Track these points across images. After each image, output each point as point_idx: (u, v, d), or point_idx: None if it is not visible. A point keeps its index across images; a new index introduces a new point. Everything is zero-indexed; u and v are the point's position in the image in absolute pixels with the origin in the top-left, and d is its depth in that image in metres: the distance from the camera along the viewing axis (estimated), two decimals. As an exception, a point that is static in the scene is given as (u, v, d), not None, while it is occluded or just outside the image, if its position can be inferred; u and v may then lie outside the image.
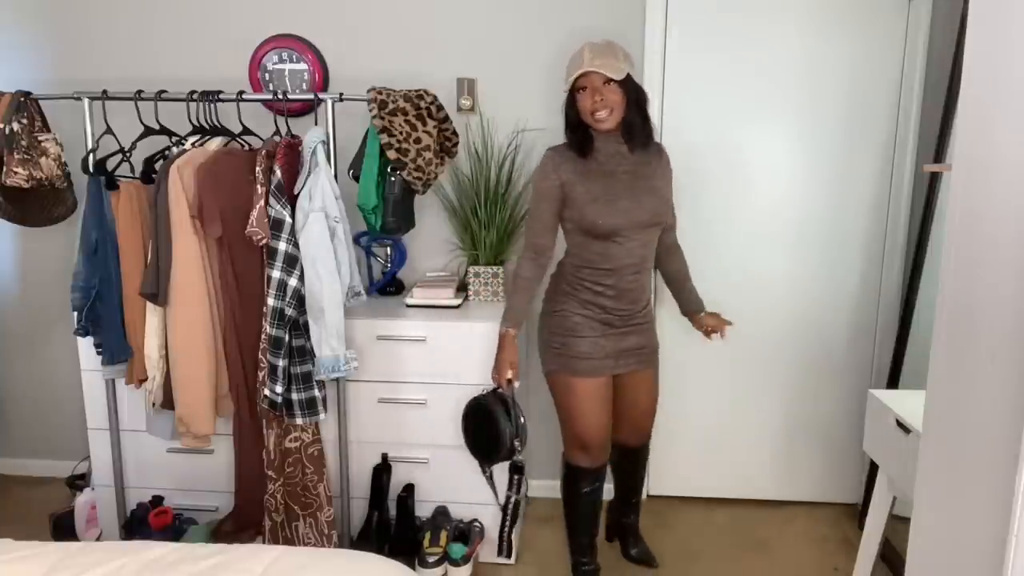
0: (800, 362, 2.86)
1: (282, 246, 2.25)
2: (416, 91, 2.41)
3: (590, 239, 2.11)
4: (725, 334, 2.35)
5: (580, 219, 2.09)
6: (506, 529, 2.34)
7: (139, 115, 2.41)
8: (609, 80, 2.02)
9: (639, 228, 2.10)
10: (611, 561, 2.54)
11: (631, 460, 2.46)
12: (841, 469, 2.92)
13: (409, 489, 2.57)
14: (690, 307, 2.39)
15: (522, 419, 2.18)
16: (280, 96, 2.40)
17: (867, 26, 2.61)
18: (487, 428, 2.20)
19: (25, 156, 2.31)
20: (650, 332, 2.30)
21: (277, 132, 2.45)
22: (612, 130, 2.09)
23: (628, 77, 2.06)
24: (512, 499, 2.28)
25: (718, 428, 2.94)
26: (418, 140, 2.35)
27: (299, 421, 2.38)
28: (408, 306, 2.61)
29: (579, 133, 2.11)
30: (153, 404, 2.39)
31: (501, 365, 2.19)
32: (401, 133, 2.33)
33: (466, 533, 2.50)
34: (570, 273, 2.19)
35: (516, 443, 2.16)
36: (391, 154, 2.31)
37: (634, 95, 2.09)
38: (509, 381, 2.19)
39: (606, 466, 2.31)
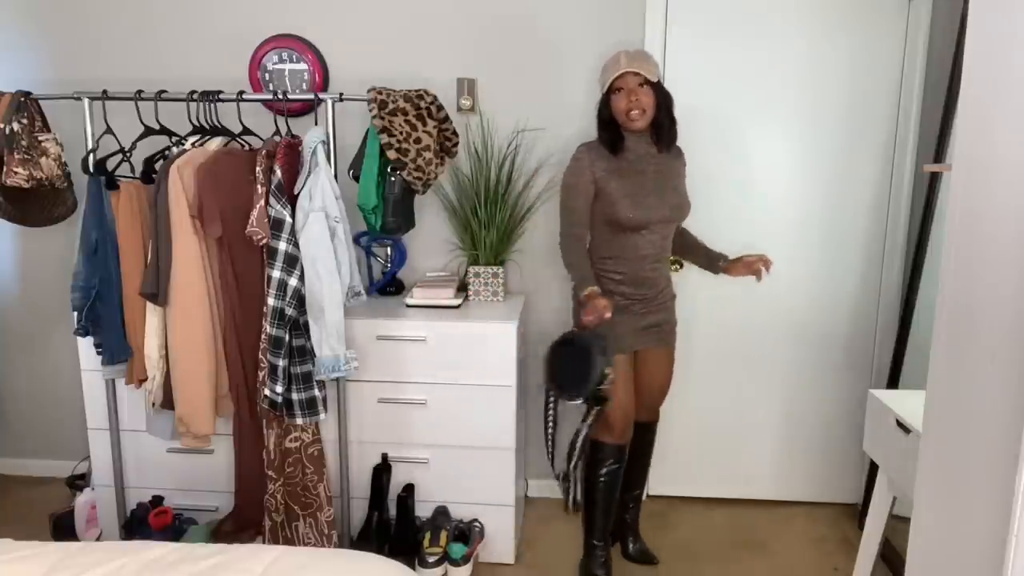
0: (800, 362, 2.86)
1: (282, 246, 2.25)
2: (416, 91, 2.41)
3: (617, 232, 2.25)
4: (768, 262, 2.36)
5: (611, 213, 2.22)
6: (572, 467, 2.35)
7: (139, 115, 2.41)
8: (644, 83, 2.18)
9: (662, 223, 2.27)
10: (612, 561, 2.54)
11: (638, 436, 2.47)
12: (841, 469, 2.92)
13: (409, 489, 2.57)
14: (717, 260, 2.44)
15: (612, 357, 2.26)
16: (280, 96, 2.40)
17: (867, 26, 2.61)
18: (577, 362, 2.23)
19: (25, 156, 2.31)
20: (670, 310, 2.42)
21: (277, 132, 2.45)
22: (642, 130, 2.23)
23: (659, 81, 2.22)
24: (583, 432, 2.31)
25: (718, 428, 2.94)
26: (418, 140, 2.35)
27: (299, 421, 2.39)
28: (408, 306, 2.60)
29: (611, 132, 2.25)
30: (153, 404, 2.39)
31: (599, 312, 2.16)
32: (401, 133, 2.33)
33: (466, 533, 2.50)
34: (595, 264, 2.30)
35: (608, 374, 2.20)
36: (391, 154, 2.31)
37: (664, 99, 2.25)
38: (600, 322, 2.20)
39: (627, 448, 2.37)
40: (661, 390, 2.50)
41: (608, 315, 2.20)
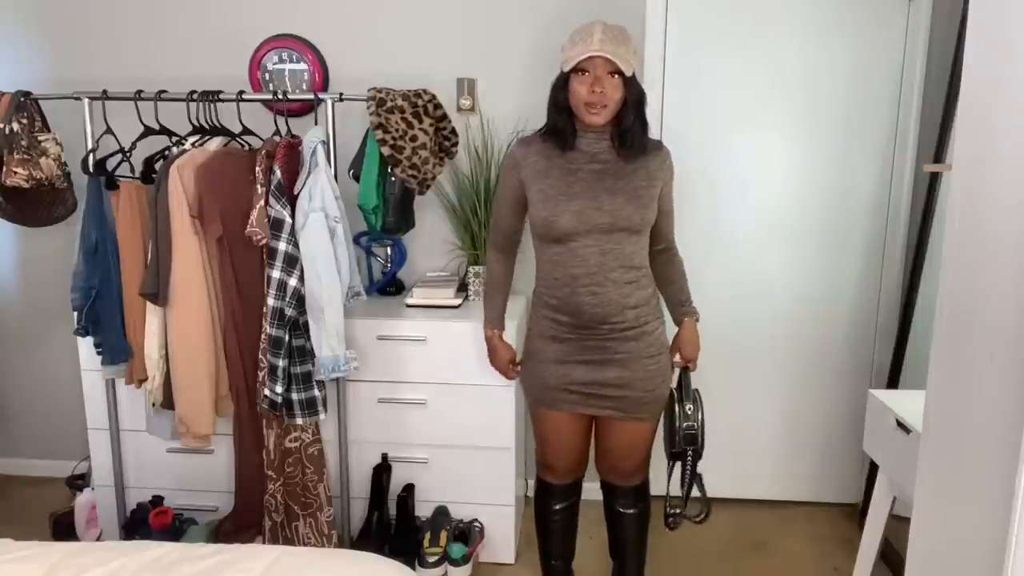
0: (800, 362, 2.86)
1: (282, 246, 2.25)
2: (415, 90, 2.41)
3: (545, 243, 1.92)
4: (689, 366, 2.10)
5: (532, 218, 1.93)
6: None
7: (139, 115, 2.41)
8: (614, 72, 1.81)
9: (595, 233, 1.86)
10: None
11: (616, 510, 2.15)
12: (841, 469, 2.92)
13: (409, 489, 2.56)
14: (677, 312, 2.10)
15: (689, 406, 2.00)
16: (280, 96, 2.40)
17: (867, 26, 2.61)
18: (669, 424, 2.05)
19: (25, 156, 2.31)
20: (640, 368, 1.93)
21: (277, 132, 2.45)
22: (601, 126, 1.87)
23: (633, 75, 1.87)
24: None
25: (718, 428, 2.92)
26: (414, 138, 2.35)
27: (299, 421, 2.38)
28: (408, 306, 2.60)
29: (564, 121, 1.89)
30: (153, 404, 2.39)
31: (498, 366, 2.17)
32: (397, 130, 2.33)
33: (466, 533, 2.50)
34: (536, 288, 2.02)
35: (680, 435, 2.00)
36: (384, 150, 2.31)
37: (635, 96, 1.87)
38: (516, 369, 2.12)
39: (580, 482, 2.16)
40: (628, 459, 2.06)
41: (509, 376, 2.11)
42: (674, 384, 2.07)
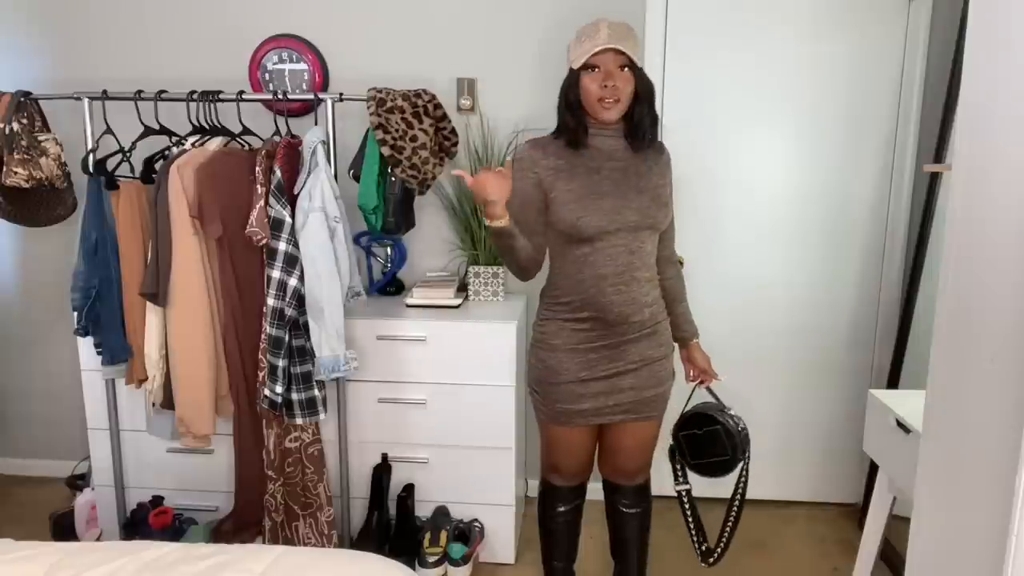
0: (800, 362, 2.86)
1: (282, 246, 2.25)
2: (415, 90, 2.41)
3: (570, 244, 1.87)
4: (708, 383, 2.14)
5: (558, 221, 1.86)
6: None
7: (139, 115, 2.41)
8: (624, 66, 1.80)
9: (626, 231, 1.86)
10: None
11: (618, 509, 2.16)
12: (841, 469, 2.92)
13: (409, 489, 2.56)
14: (677, 332, 2.08)
15: (732, 410, 2.05)
16: (280, 96, 2.40)
17: (867, 26, 2.61)
18: (711, 434, 2.04)
19: (25, 156, 2.31)
20: (651, 373, 1.96)
21: (277, 132, 2.45)
22: (612, 122, 1.86)
23: (642, 67, 1.86)
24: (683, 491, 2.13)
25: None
26: (414, 138, 2.35)
27: (299, 421, 2.38)
28: (408, 306, 2.60)
29: (575, 120, 1.87)
30: (153, 404, 2.39)
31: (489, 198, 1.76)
32: (397, 131, 2.33)
33: (466, 533, 2.50)
34: (549, 292, 1.97)
35: (740, 437, 2.02)
36: (385, 151, 2.32)
37: (645, 88, 1.86)
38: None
39: (585, 484, 2.16)
40: (636, 459, 2.08)
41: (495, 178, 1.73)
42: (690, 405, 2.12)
